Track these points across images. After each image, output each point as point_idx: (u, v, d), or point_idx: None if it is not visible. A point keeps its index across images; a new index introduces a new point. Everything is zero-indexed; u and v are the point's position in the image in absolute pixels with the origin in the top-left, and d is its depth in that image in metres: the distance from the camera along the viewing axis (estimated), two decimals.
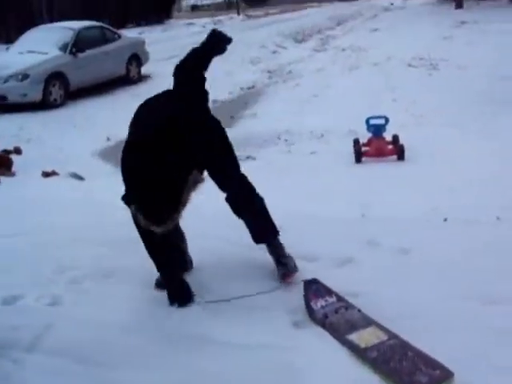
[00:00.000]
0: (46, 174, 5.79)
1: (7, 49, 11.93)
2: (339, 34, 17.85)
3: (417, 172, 5.17)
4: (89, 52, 11.14)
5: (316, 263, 2.86)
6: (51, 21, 28.47)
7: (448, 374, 2.00)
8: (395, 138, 5.97)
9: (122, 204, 2.36)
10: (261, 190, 2.73)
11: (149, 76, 13.05)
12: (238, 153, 2.82)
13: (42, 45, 10.77)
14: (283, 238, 2.74)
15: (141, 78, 12.74)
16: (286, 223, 2.89)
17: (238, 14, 28.80)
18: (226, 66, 10.45)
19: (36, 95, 9.85)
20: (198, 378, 2.02)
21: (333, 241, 3.09)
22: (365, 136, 6.04)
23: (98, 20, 14.39)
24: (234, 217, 2.72)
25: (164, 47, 15.88)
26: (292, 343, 2.20)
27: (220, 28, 2.93)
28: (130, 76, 12.42)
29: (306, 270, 2.69)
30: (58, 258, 3.08)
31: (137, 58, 12.70)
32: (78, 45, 10.96)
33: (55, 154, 6.96)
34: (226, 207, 2.72)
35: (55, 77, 10.22)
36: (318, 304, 2.50)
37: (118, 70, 12.10)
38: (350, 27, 19.57)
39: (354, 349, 2.20)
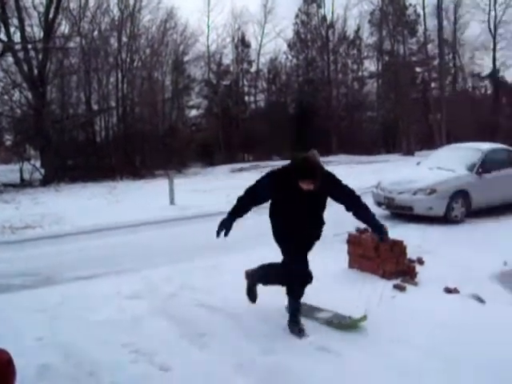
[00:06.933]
0: (448, 291, 6.24)
1: (418, 163, 13.40)
2: None
3: None
4: (494, 174, 11.53)
5: None
6: (448, 138, 30.03)
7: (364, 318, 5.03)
8: None
9: None
10: None
11: None
12: None
13: (451, 163, 11.72)
14: None
15: None
16: None
17: None
18: None
19: (440, 210, 10.75)
20: None
21: None
22: None
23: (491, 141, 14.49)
24: None
25: None
26: None
27: None
28: None
29: None
30: None
31: None
32: (484, 165, 11.48)
33: (452, 270, 7.41)
34: None
35: (459, 194, 10.96)
36: None
37: None
38: None
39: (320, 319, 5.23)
